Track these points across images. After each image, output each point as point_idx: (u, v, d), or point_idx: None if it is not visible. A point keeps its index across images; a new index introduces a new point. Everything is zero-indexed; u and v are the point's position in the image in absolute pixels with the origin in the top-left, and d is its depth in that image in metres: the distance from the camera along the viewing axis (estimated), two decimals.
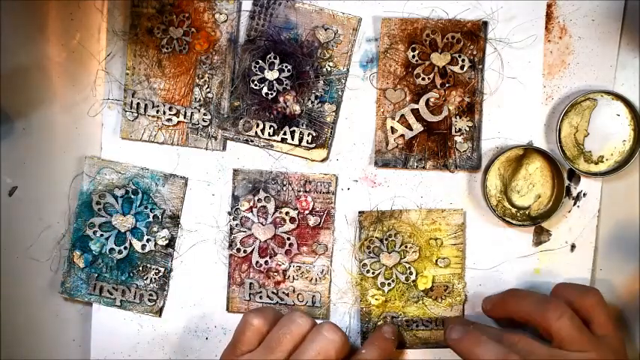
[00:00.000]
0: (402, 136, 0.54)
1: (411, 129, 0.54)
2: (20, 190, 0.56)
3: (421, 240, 0.55)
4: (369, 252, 0.55)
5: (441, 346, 0.56)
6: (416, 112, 0.54)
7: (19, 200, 0.56)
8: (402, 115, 0.54)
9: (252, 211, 0.55)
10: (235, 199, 0.55)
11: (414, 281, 0.55)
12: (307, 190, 0.55)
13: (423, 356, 0.56)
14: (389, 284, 0.55)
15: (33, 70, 0.55)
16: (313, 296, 0.56)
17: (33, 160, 0.56)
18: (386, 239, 0.55)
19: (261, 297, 0.56)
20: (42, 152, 0.56)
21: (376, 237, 0.55)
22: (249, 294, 0.56)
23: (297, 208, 0.55)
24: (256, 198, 0.55)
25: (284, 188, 0.55)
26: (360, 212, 0.55)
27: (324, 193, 0.55)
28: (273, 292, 0.56)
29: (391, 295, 0.55)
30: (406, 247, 0.55)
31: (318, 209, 0.55)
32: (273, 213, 0.55)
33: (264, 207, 0.55)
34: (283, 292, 0.56)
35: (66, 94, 0.55)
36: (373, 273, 0.55)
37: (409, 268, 0.55)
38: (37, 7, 0.55)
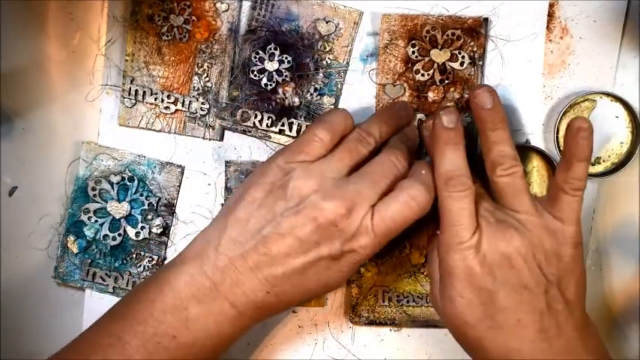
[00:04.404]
0: None
1: None
2: (20, 190, 0.56)
3: None
4: None
5: (430, 325, 0.56)
6: (421, 123, 0.54)
7: (19, 200, 0.56)
8: None
9: None
10: (229, 190, 0.55)
11: (407, 255, 0.55)
12: None
13: (412, 335, 0.57)
14: (382, 256, 0.55)
15: (33, 70, 0.55)
16: None
17: (33, 160, 0.56)
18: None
19: None
20: (42, 152, 0.56)
21: None
22: None
23: None
24: None
25: None
26: None
27: None
28: None
29: (384, 268, 0.55)
30: None
31: None
32: None
33: None
34: None
35: (66, 94, 0.55)
36: None
37: (403, 241, 0.55)
38: (37, 7, 0.55)
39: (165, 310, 0.44)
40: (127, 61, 0.55)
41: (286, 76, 0.54)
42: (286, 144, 0.55)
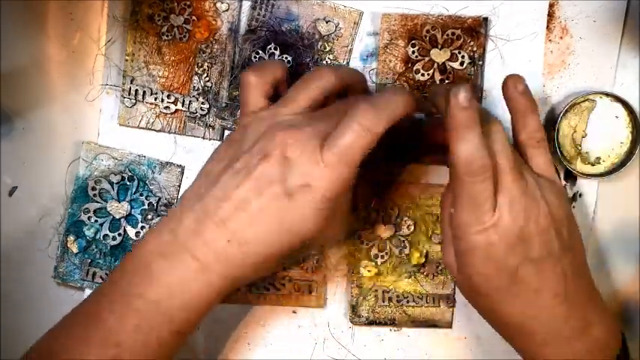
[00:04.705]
0: None
1: None
2: (20, 190, 0.56)
3: (417, 214, 0.55)
4: (364, 223, 0.55)
5: (430, 325, 0.56)
6: None
7: (19, 200, 0.56)
8: None
9: None
10: None
11: (407, 255, 0.55)
12: None
13: (412, 335, 0.57)
14: (382, 257, 0.55)
15: (33, 70, 0.55)
16: (309, 285, 0.56)
17: (33, 160, 0.56)
18: (382, 211, 0.55)
19: (257, 288, 0.56)
20: (42, 152, 0.56)
21: (373, 208, 0.55)
22: (246, 285, 0.56)
23: None
24: None
25: None
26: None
27: None
28: (269, 283, 0.56)
29: (384, 268, 0.55)
30: (402, 220, 0.55)
31: None
32: None
33: None
34: (280, 282, 0.56)
35: (66, 94, 0.55)
36: (367, 244, 0.55)
37: (403, 241, 0.55)
38: (37, 7, 0.55)
39: (134, 271, 0.44)
40: (127, 60, 0.55)
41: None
42: None
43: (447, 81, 0.54)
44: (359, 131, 0.42)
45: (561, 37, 0.55)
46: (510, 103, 0.48)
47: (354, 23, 0.54)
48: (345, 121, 0.43)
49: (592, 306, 0.46)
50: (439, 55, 0.54)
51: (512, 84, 0.47)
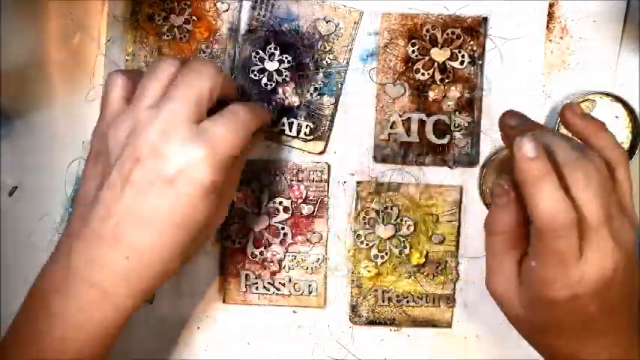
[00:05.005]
0: (396, 134, 0.54)
1: (408, 135, 0.54)
2: (20, 190, 0.56)
3: (417, 214, 0.55)
4: (365, 223, 0.55)
5: (430, 325, 0.56)
6: (421, 123, 0.54)
7: (19, 200, 0.56)
8: (409, 118, 0.54)
9: (245, 202, 0.55)
10: None
11: (407, 255, 0.55)
12: (300, 179, 0.55)
13: (412, 335, 0.57)
14: (382, 257, 0.55)
15: (33, 70, 0.55)
16: (309, 285, 0.56)
17: (33, 160, 0.56)
18: (382, 211, 0.55)
19: (257, 288, 0.56)
20: (42, 152, 0.56)
21: (373, 208, 0.55)
22: (246, 285, 0.56)
23: (290, 198, 0.55)
24: (249, 189, 0.55)
25: (277, 178, 0.55)
26: (358, 182, 0.55)
27: (316, 181, 0.55)
28: (269, 283, 0.56)
29: (384, 268, 0.55)
30: (402, 220, 0.55)
31: (311, 198, 0.55)
32: (267, 203, 0.55)
33: (258, 197, 0.55)
34: (279, 283, 0.56)
35: (66, 94, 0.56)
36: (367, 245, 0.55)
37: (403, 241, 0.55)
38: (37, 7, 0.55)
39: (34, 313, 0.42)
40: (127, 60, 0.55)
41: (286, 76, 0.54)
42: (286, 144, 0.55)
43: (447, 80, 0.54)
44: (235, 121, 0.43)
45: (561, 37, 0.55)
46: (576, 130, 0.45)
47: (354, 23, 0.54)
48: (224, 115, 0.43)
49: (633, 329, 0.44)
50: (439, 55, 0.54)
51: (570, 112, 0.45)
